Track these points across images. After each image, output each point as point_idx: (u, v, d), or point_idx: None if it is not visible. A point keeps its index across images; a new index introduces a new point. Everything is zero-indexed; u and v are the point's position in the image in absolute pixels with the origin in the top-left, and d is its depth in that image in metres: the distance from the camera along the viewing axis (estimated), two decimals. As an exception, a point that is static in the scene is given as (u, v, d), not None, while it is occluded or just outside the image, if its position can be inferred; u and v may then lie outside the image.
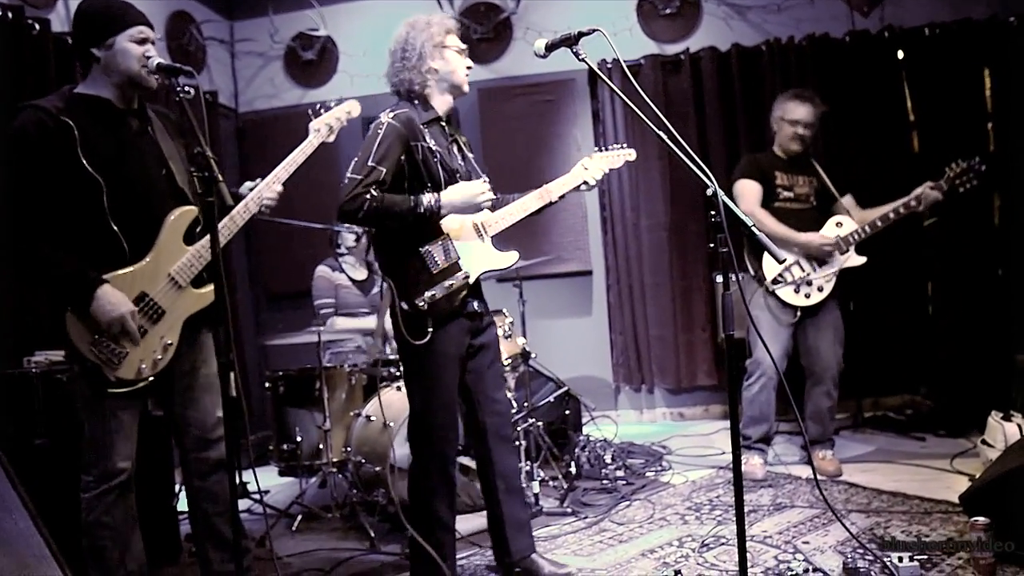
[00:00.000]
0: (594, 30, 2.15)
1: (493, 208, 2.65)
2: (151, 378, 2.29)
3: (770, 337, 3.75)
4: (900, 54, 5.06)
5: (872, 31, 5.10)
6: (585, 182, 2.72)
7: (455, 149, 2.64)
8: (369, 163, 2.43)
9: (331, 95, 5.65)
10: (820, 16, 5.19)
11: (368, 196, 2.40)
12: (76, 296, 2.19)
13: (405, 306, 2.47)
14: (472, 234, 2.57)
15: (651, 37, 5.40)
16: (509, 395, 3.58)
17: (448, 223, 2.52)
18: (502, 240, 2.67)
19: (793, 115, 3.82)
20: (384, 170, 2.42)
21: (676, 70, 5.31)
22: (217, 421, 2.46)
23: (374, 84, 5.58)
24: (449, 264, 2.50)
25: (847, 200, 3.91)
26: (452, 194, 2.49)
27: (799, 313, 3.78)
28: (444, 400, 2.54)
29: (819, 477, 3.68)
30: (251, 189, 2.50)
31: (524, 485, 2.72)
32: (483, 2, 5.51)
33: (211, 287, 2.39)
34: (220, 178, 2.05)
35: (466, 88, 2.63)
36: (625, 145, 2.88)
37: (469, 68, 2.62)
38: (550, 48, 2.26)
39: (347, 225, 4.44)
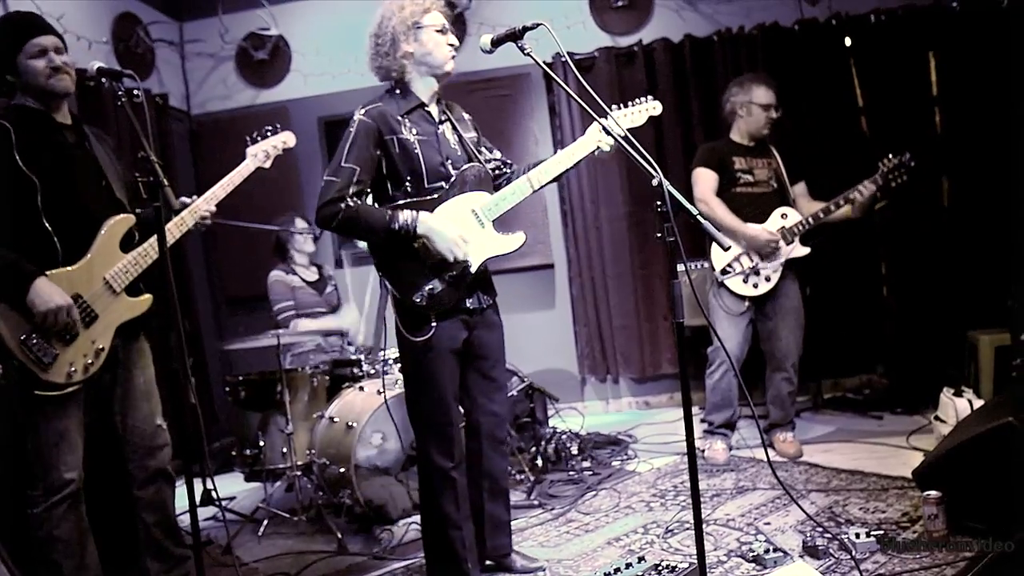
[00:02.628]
0: (538, 24, 2.15)
1: (496, 188, 2.53)
2: (80, 384, 2.26)
3: (728, 325, 3.81)
4: (848, 41, 5.13)
5: (820, 19, 5.18)
6: (599, 147, 2.51)
7: (447, 132, 2.51)
8: (343, 164, 2.34)
9: (285, 95, 5.61)
10: (769, 5, 5.25)
11: (344, 204, 2.30)
12: (11, 287, 2.17)
13: (403, 303, 2.38)
14: (471, 221, 2.43)
15: (604, 29, 5.42)
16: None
17: (443, 212, 2.39)
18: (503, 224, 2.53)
19: (765, 100, 3.85)
20: (358, 168, 2.33)
21: (630, 62, 5.33)
22: (157, 429, 2.47)
23: (327, 83, 5.57)
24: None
25: (799, 188, 3.97)
26: (434, 222, 2.35)
27: (748, 303, 3.83)
28: (438, 397, 2.44)
29: (780, 459, 3.75)
30: (185, 206, 2.53)
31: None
32: (436, -3, 5.48)
33: (147, 296, 2.45)
34: (165, 182, 2.05)
35: (448, 68, 2.45)
36: (650, 98, 2.72)
37: (453, 46, 2.45)
38: (496, 43, 2.26)
39: (307, 229, 4.41)
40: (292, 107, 5.54)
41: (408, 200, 2.41)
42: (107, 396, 2.42)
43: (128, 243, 2.40)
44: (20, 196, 2.21)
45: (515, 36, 2.18)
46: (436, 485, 2.49)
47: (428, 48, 2.42)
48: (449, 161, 2.46)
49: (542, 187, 2.57)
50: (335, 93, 5.53)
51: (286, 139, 2.79)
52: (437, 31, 2.41)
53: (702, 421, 4.05)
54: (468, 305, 2.48)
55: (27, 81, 2.30)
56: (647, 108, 2.69)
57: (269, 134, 2.76)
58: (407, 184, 2.41)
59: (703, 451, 3.85)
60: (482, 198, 2.47)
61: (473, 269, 2.43)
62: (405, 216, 2.33)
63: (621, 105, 2.66)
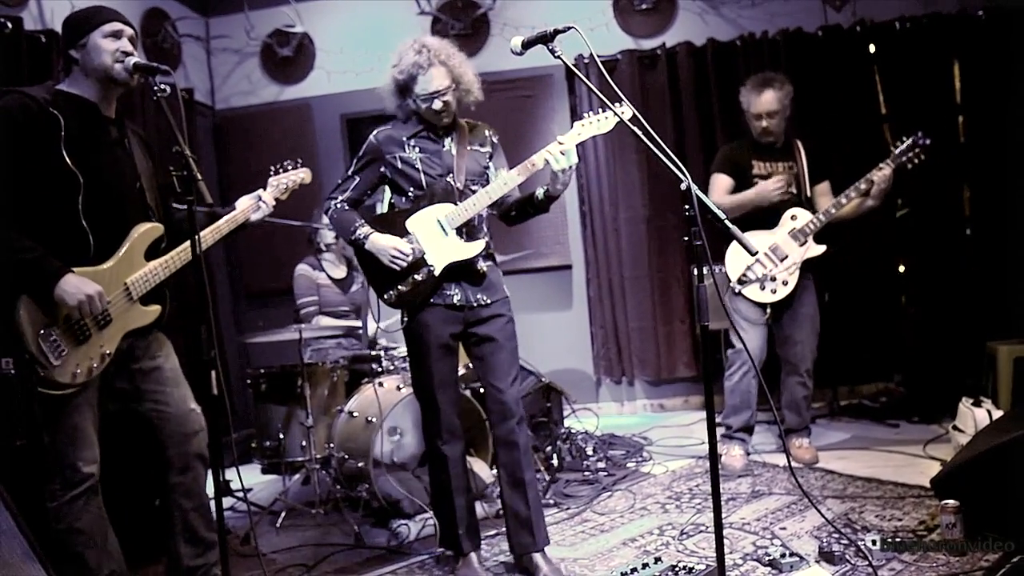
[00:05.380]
0: (569, 27, 2.16)
1: (461, 199, 2.72)
2: (80, 385, 2.24)
3: (746, 329, 3.80)
4: (872, 48, 5.13)
5: (844, 25, 5.17)
6: (546, 160, 2.64)
7: (452, 151, 2.75)
8: (349, 172, 2.82)
9: (308, 92, 5.66)
10: (793, 11, 5.25)
11: (336, 203, 2.77)
12: (38, 282, 2.15)
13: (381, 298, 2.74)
14: (436, 229, 2.70)
15: (627, 32, 5.44)
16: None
17: (413, 221, 2.70)
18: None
19: (756, 108, 3.78)
20: (358, 179, 2.78)
21: (652, 65, 5.35)
22: (190, 412, 2.47)
23: (351, 80, 5.61)
24: (415, 260, 2.68)
25: (823, 187, 3.87)
26: (378, 240, 2.68)
27: (769, 310, 3.80)
28: (424, 382, 2.75)
29: (796, 464, 3.75)
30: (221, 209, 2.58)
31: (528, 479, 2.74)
32: (461, -2, 5.51)
33: (156, 307, 2.43)
34: (199, 177, 2.07)
35: (436, 121, 2.71)
36: (601, 110, 2.71)
37: (445, 103, 2.66)
38: (527, 45, 2.27)
39: (325, 222, 4.44)
40: (315, 104, 5.59)
41: (402, 208, 2.76)
42: (130, 389, 2.41)
43: (153, 253, 2.39)
44: (61, 191, 2.20)
45: (546, 39, 2.19)
46: (430, 458, 2.83)
47: (420, 104, 2.67)
48: (450, 175, 2.73)
49: (535, 201, 2.79)
50: (358, 91, 5.55)
51: (304, 176, 2.87)
52: (427, 92, 2.63)
53: (718, 425, 4.04)
54: (455, 302, 2.72)
55: (91, 59, 2.26)
56: (608, 117, 2.73)
57: (290, 167, 2.85)
58: (409, 194, 2.75)
59: (720, 456, 3.85)
60: (446, 208, 2.71)
61: (436, 272, 2.69)
62: (363, 231, 2.69)
63: (583, 115, 2.79)
